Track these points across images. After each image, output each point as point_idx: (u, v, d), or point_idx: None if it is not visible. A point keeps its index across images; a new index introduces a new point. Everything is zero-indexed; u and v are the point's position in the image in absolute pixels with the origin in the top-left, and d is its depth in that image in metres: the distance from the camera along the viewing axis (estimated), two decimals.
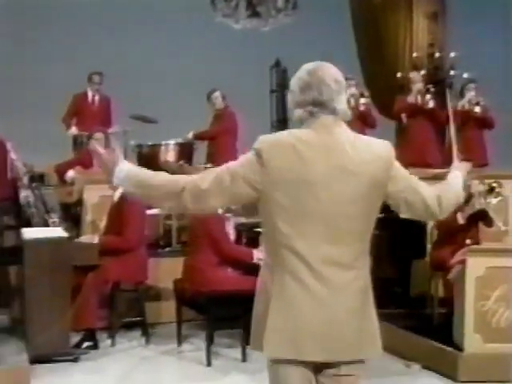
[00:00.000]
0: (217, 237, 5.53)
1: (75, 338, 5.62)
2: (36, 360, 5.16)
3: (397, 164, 2.60)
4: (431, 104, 7.86)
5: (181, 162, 7.48)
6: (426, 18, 10.57)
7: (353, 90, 7.82)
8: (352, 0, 10.62)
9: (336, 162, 2.46)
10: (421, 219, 2.81)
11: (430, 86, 8.03)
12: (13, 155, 7.29)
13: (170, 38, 9.91)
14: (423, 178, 6.99)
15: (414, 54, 10.44)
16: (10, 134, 7.56)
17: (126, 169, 2.55)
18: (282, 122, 9.51)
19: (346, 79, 7.98)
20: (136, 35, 9.89)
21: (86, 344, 5.67)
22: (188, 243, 6.05)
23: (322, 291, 2.45)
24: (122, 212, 5.86)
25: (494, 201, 5.58)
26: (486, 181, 5.76)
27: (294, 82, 2.57)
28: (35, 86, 9.38)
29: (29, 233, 5.63)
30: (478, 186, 5.68)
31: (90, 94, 8.72)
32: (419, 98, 7.87)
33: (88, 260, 5.49)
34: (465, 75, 8.00)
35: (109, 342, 5.84)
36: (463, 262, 4.97)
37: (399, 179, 2.58)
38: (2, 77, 9.34)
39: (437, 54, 10.32)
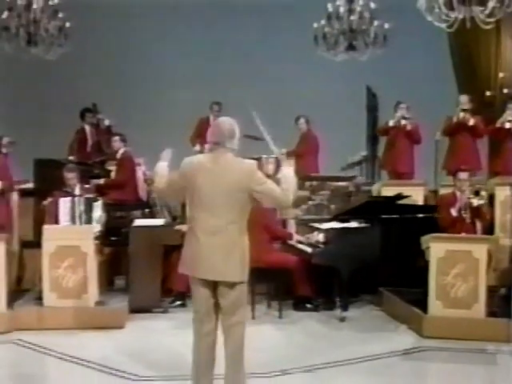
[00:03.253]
0: (269, 221, 7.53)
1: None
2: (136, 310, 7.44)
3: (259, 174, 4.51)
4: (471, 122, 9.34)
5: None
6: None
7: (402, 112, 9.52)
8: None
9: (217, 172, 4.48)
10: (277, 207, 4.61)
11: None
12: (143, 167, 9.73)
13: (279, 70, 12.05)
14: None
15: (501, 75, 11.69)
16: (149, 150, 9.97)
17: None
18: (371, 138, 11.17)
19: (398, 103, 9.94)
20: (251, 67, 12.17)
21: (177, 303, 7.83)
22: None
23: (205, 237, 4.48)
24: None
25: (476, 202, 7.12)
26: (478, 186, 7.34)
27: None
28: (174, 109, 11.91)
29: (137, 222, 7.95)
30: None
31: (211, 119, 10.83)
32: (461, 117, 9.35)
33: (173, 241, 7.63)
34: None
35: None
36: None
37: (259, 185, 4.51)
38: (147, 103, 12.00)
39: None
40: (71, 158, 9.97)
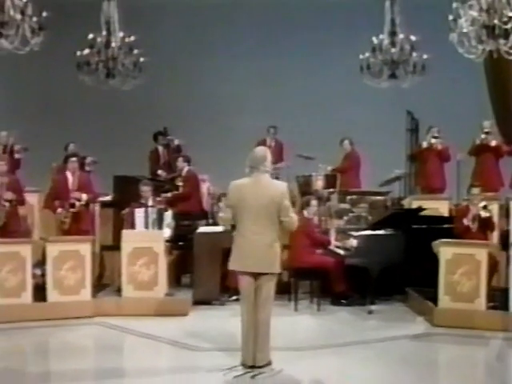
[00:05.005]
0: (310, 229, 8.96)
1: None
2: (198, 302, 8.92)
3: (286, 194, 5.97)
4: (493, 143, 10.65)
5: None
6: None
7: (433, 134, 10.89)
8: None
9: (257, 190, 5.94)
10: (286, 225, 6.04)
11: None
12: (208, 183, 11.25)
13: (329, 97, 13.52)
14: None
15: None
16: (214, 168, 11.45)
17: None
18: (410, 157, 12.41)
19: (430, 127, 11.63)
20: (304, 95, 13.70)
21: (233, 297, 9.21)
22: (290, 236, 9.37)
23: (249, 239, 5.92)
24: None
25: (483, 214, 8.37)
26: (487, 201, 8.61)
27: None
28: (236, 133, 13.42)
29: (200, 229, 9.45)
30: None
31: (268, 141, 12.28)
32: (483, 140, 10.67)
33: (232, 245, 9.06)
34: None
35: None
36: None
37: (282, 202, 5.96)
38: (213, 127, 13.65)
39: None
40: (160, 171, 11.60)
